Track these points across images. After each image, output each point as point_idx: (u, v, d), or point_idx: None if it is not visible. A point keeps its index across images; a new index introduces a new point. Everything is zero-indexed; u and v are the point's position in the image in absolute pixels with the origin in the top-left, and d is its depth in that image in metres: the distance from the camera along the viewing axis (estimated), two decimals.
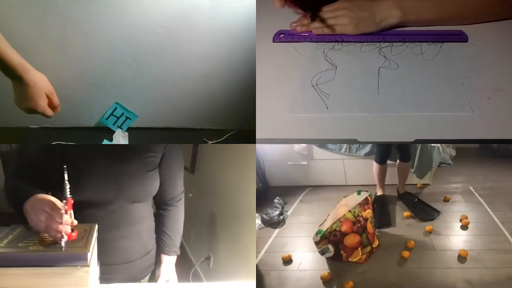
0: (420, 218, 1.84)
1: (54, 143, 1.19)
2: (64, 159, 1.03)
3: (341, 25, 1.15)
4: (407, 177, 2.10)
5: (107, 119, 1.24)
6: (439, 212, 1.87)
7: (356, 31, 1.14)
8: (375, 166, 2.04)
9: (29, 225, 0.86)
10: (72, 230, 0.83)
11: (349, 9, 1.14)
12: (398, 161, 2.05)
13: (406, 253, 1.52)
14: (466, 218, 1.77)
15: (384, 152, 1.99)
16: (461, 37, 1.11)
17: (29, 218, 0.85)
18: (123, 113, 1.21)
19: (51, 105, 1.01)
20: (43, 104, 0.98)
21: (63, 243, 0.80)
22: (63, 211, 0.81)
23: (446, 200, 2.03)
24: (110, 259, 1.08)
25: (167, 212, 1.25)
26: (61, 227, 0.80)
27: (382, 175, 2.06)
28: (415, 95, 0.95)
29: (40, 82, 0.96)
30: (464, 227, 1.73)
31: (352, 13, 1.14)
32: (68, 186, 0.82)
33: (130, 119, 1.22)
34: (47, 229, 0.82)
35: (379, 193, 2.08)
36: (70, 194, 0.83)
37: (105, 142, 1.24)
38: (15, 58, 0.92)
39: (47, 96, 0.99)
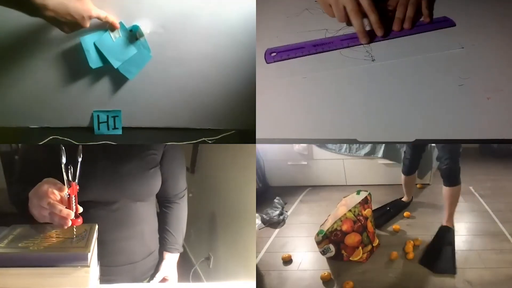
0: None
1: (54, 143, 1.18)
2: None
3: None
4: (455, 203, 1.70)
5: (98, 129, 1.24)
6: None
7: None
8: (402, 177, 2.00)
9: (33, 214, 0.86)
10: (78, 216, 0.83)
11: None
12: (443, 186, 1.72)
13: (406, 253, 1.52)
14: None
15: (411, 165, 1.94)
16: (448, 23, 1.09)
17: (31, 206, 0.85)
18: (107, 115, 1.21)
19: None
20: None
21: (69, 224, 0.80)
22: (66, 193, 0.82)
23: None
24: (112, 260, 1.08)
25: (169, 210, 1.25)
26: (65, 210, 0.80)
27: (409, 185, 2.03)
28: (415, 95, 0.95)
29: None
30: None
31: None
32: (70, 169, 0.82)
33: (117, 116, 1.21)
34: (51, 216, 0.82)
35: (405, 199, 2.05)
36: (73, 179, 0.83)
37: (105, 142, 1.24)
38: None
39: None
